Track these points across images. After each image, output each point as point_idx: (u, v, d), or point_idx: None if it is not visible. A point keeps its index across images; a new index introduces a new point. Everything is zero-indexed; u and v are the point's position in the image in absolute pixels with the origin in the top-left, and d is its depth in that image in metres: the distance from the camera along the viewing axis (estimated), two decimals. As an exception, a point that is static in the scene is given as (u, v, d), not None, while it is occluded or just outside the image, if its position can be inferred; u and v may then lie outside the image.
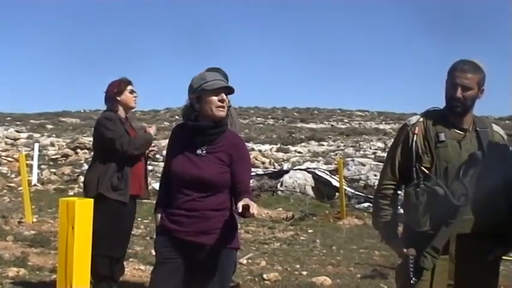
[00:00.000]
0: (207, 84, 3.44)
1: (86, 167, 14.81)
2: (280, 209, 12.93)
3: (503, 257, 3.80)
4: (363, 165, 15.89)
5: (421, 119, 3.46)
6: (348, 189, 13.85)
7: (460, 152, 3.34)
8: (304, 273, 7.36)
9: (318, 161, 21.47)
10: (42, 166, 19.44)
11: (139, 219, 9.68)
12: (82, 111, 53.00)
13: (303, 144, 31.71)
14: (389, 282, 6.58)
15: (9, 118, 42.83)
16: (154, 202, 3.86)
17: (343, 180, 12.71)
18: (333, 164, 18.78)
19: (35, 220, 10.50)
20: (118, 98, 5.49)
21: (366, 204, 12.83)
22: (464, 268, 3.36)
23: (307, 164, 18.49)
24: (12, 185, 16.00)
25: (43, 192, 15.21)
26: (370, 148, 28.67)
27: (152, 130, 5.61)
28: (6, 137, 27.67)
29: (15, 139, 27.86)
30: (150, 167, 16.60)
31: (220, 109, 3.45)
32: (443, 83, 3.45)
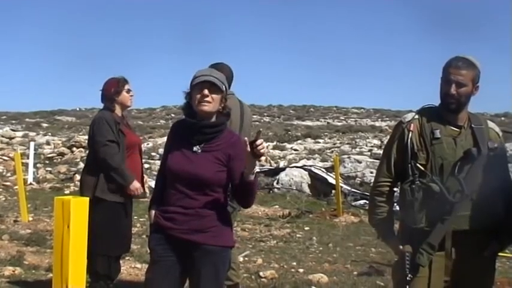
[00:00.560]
0: (194, 80, 3.44)
1: (81, 165, 14.78)
2: (277, 206, 12.93)
3: (500, 254, 3.80)
4: (359, 162, 15.89)
5: (417, 116, 3.46)
6: (344, 186, 13.85)
7: (455, 148, 3.34)
8: (301, 270, 7.36)
9: (314, 159, 21.45)
10: (38, 165, 19.40)
11: (135, 217, 9.65)
12: (78, 109, 52.99)
13: (299, 141, 31.72)
14: (386, 279, 6.58)
15: (4, 117, 42.75)
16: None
17: (340, 178, 12.70)
18: (329, 161, 18.79)
19: (30, 219, 10.48)
20: (116, 98, 5.49)
21: (362, 202, 12.83)
22: (460, 264, 3.37)
23: (303, 162, 18.48)
24: (7, 183, 15.96)
25: (39, 191, 15.18)
26: (366, 145, 28.68)
27: (136, 187, 5.38)
28: (2, 136, 27.58)
29: (11, 138, 27.79)
30: (146, 165, 16.60)
31: (203, 103, 3.40)
32: (439, 80, 3.45)
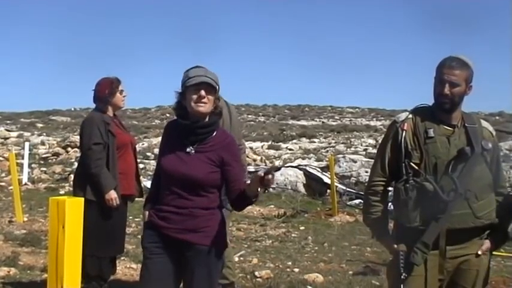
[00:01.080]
0: (189, 80, 3.42)
1: (76, 165, 14.75)
2: (272, 206, 12.93)
3: (494, 253, 3.82)
4: (354, 161, 15.89)
5: (410, 116, 3.47)
6: (339, 186, 13.85)
7: (449, 147, 3.35)
8: (296, 270, 7.37)
9: (309, 158, 21.50)
10: (33, 165, 19.37)
11: (130, 217, 9.64)
12: (72, 109, 52.96)
13: (294, 141, 31.78)
14: (381, 278, 6.59)
15: (-1, 117, 42.67)
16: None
17: (335, 177, 12.71)
18: (324, 160, 18.80)
19: (25, 219, 10.46)
20: (110, 100, 5.48)
21: (357, 201, 12.84)
22: (454, 263, 3.38)
23: (298, 161, 18.49)
24: (2, 184, 15.93)
25: (34, 191, 15.15)
26: (361, 145, 28.77)
27: (111, 197, 5.33)
28: (-4, 136, 27.56)
29: (6, 138, 27.76)
30: (141, 165, 16.59)
31: (200, 104, 3.41)
32: (433, 79, 3.46)
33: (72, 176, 14.89)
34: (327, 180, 13.68)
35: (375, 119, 48.21)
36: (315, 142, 31.20)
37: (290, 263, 7.81)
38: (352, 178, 15.09)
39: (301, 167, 15.64)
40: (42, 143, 26.62)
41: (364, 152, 23.23)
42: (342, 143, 29.86)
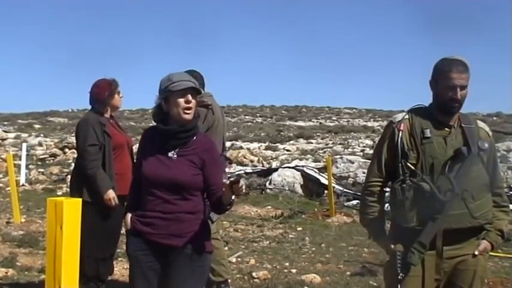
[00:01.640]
0: (173, 85, 3.41)
1: (73, 167, 14.73)
2: (269, 207, 12.93)
3: (491, 253, 3.83)
4: (352, 162, 15.90)
5: (407, 116, 3.48)
6: (337, 186, 13.85)
7: (445, 148, 3.36)
8: (294, 271, 7.37)
9: (307, 159, 21.49)
10: (30, 166, 19.36)
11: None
12: (70, 110, 52.97)
13: (291, 142, 31.81)
14: (379, 279, 6.60)
15: (-4, 118, 42.62)
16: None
17: (332, 178, 12.71)
18: (321, 161, 18.80)
19: (23, 220, 10.46)
20: (109, 102, 5.49)
21: (354, 202, 12.83)
22: (451, 263, 3.39)
23: (295, 162, 18.48)
24: (0, 185, 15.92)
25: (31, 192, 15.14)
26: (359, 145, 28.79)
27: (110, 197, 5.30)
28: (-6, 137, 27.53)
29: (3, 139, 27.74)
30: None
31: (187, 111, 3.43)
32: (427, 80, 3.47)
33: (69, 177, 14.95)
34: (324, 181, 13.68)
35: (372, 119, 48.26)
36: (312, 143, 31.22)
37: (287, 263, 7.81)
38: (350, 179, 15.09)
39: (299, 167, 15.64)
40: (40, 144, 26.62)
41: (361, 153, 23.26)
42: (339, 144, 29.89)
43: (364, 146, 27.76)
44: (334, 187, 12.87)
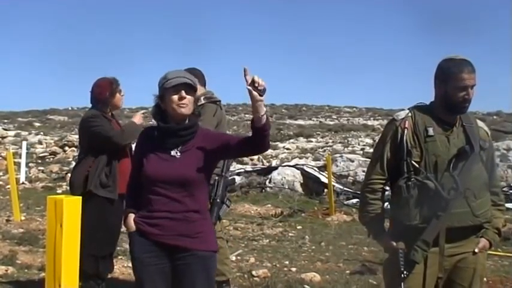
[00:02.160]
0: (167, 82, 3.39)
1: (74, 164, 14.75)
2: (269, 205, 12.94)
3: (491, 252, 3.83)
4: (352, 161, 15.91)
5: (410, 114, 3.47)
6: (337, 185, 13.86)
7: (448, 146, 3.37)
8: (293, 269, 7.37)
9: (307, 158, 21.47)
10: (30, 164, 19.37)
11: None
12: (70, 108, 52.89)
13: (291, 140, 31.76)
14: (379, 277, 6.59)
15: (-4, 116, 42.60)
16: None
17: (332, 177, 12.71)
18: (321, 160, 18.80)
19: (23, 218, 10.47)
20: (111, 101, 5.49)
21: (354, 200, 12.83)
22: (451, 261, 3.40)
23: (295, 161, 18.48)
24: (0, 183, 15.93)
25: (31, 190, 15.15)
26: (359, 144, 28.75)
27: (137, 119, 5.53)
28: (-6, 135, 27.53)
29: (3, 137, 27.72)
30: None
31: (182, 105, 3.38)
32: (430, 79, 3.47)
33: (69, 175, 14.98)
34: (324, 179, 13.69)
35: (372, 118, 48.17)
36: (312, 141, 31.17)
37: (287, 262, 7.82)
38: (350, 177, 15.11)
39: (299, 166, 15.64)
40: (40, 142, 26.61)
41: (361, 152, 23.22)
42: (339, 143, 29.84)
43: (364, 145, 27.72)
44: (334, 186, 12.87)
